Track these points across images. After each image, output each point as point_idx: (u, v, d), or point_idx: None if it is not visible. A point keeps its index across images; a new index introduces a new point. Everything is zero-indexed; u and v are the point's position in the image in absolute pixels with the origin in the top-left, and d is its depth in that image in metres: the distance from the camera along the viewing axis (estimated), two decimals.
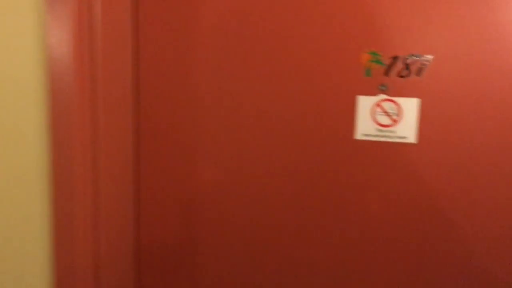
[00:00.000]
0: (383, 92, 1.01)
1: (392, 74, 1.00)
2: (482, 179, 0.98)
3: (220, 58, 1.10)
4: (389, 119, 1.01)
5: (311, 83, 1.05)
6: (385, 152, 1.03)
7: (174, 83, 1.13)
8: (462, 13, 0.95)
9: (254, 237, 1.15)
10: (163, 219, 1.20)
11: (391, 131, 1.01)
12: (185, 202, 1.18)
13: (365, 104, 1.02)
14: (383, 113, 1.01)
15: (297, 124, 1.07)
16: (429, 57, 0.97)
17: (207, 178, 1.16)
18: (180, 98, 1.14)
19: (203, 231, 1.18)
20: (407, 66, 0.99)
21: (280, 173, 1.10)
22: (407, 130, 1.00)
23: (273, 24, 1.05)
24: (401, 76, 0.99)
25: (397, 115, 1.01)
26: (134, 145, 1.17)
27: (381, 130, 1.02)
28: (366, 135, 1.03)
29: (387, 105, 1.01)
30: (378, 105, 1.01)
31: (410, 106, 0.99)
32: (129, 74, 1.12)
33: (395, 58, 0.99)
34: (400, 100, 1.00)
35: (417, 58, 0.98)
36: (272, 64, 1.06)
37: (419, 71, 0.98)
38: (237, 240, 1.16)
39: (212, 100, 1.12)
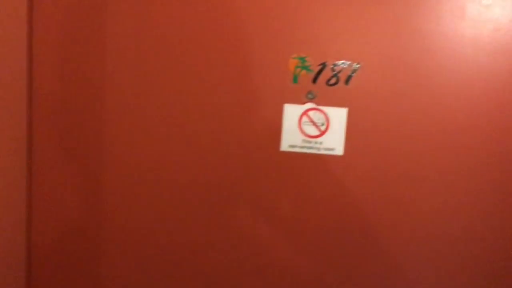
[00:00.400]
0: (311, 100, 0.94)
1: (320, 82, 0.93)
2: (410, 190, 0.96)
3: (130, 64, 0.97)
4: (316, 129, 0.95)
5: (234, 89, 0.95)
6: (312, 164, 0.96)
7: (72, 85, 0.98)
8: (391, 21, 0.91)
9: (165, 249, 1.03)
10: (57, 222, 1.04)
11: (318, 142, 0.95)
12: (83, 206, 1.03)
13: (292, 113, 0.95)
14: (311, 123, 0.95)
15: (218, 132, 0.97)
16: (358, 65, 0.92)
17: (110, 183, 1.02)
18: (80, 98, 0.99)
19: (104, 233, 1.04)
20: (335, 74, 0.93)
21: (198, 185, 1.00)
22: (334, 141, 0.95)
23: (192, 27, 0.94)
24: (330, 84, 0.93)
25: (325, 125, 0.95)
26: (28, 147, 1.00)
27: (308, 141, 0.95)
28: (293, 146, 0.96)
29: (315, 115, 0.94)
30: (305, 114, 0.95)
31: (337, 116, 0.94)
32: (24, 75, 0.96)
33: (323, 65, 0.93)
34: (328, 110, 0.94)
35: (345, 66, 0.92)
36: (191, 69, 0.95)
37: (347, 79, 0.93)
38: (142, 250, 1.04)
39: (116, 104, 0.98)
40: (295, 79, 0.94)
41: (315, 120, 0.94)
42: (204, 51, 0.94)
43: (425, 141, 0.94)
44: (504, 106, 0.92)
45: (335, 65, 0.93)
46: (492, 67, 0.91)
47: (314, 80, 0.93)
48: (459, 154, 0.93)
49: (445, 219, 0.96)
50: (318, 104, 0.94)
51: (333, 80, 0.93)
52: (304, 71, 0.93)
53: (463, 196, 0.95)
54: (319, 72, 0.93)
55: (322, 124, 0.95)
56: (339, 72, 0.93)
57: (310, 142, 0.95)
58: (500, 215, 0.94)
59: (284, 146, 0.96)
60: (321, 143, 0.95)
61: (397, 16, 0.91)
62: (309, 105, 0.94)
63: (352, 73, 0.93)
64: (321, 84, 0.93)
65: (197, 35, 0.94)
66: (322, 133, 0.95)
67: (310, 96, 0.94)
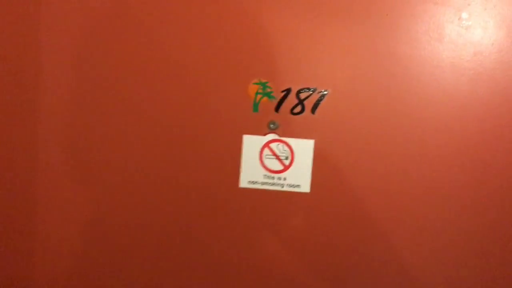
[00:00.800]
0: (273, 131, 0.83)
1: (284, 110, 0.83)
2: (387, 230, 0.86)
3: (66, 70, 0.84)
4: (279, 163, 0.84)
5: (186, 117, 0.84)
6: (275, 203, 0.85)
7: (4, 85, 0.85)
8: (363, 44, 0.81)
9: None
10: None
11: (281, 178, 0.84)
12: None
13: (252, 145, 0.84)
14: (273, 157, 0.84)
15: (167, 166, 0.85)
16: (325, 91, 0.82)
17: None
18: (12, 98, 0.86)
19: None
20: (300, 101, 0.82)
21: (143, 229, 0.88)
22: (300, 177, 0.84)
23: (143, 43, 0.82)
24: (294, 113, 0.83)
25: (289, 159, 0.84)
26: None
27: (270, 177, 0.84)
28: (253, 182, 0.85)
29: (278, 147, 0.84)
30: (267, 146, 0.84)
31: (303, 149, 0.83)
32: None
33: (287, 91, 0.82)
34: (292, 142, 0.83)
35: (312, 92, 0.82)
36: (140, 94, 0.84)
37: (314, 107, 0.82)
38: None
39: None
40: (255, 107, 0.83)
41: (278, 153, 0.84)
42: (151, 70, 0.83)
43: (402, 175, 0.84)
44: (485, 133, 0.83)
45: (300, 91, 0.82)
46: (473, 93, 0.82)
47: (277, 108, 0.83)
48: (439, 188, 0.84)
49: (422, 263, 0.86)
50: (281, 135, 0.83)
51: (298, 108, 0.83)
52: (265, 98, 0.82)
53: (438, 241, 0.86)
54: (282, 100, 0.82)
55: (286, 158, 0.84)
56: (304, 99, 0.82)
57: (272, 178, 0.84)
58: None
59: (243, 182, 0.85)
60: (285, 179, 0.84)
61: (369, 38, 0.81)
62: (271, 136, 0.83)
63: (319, 100, 0.82)
64: (285, 113, 0.83)
65: (144, 52, 0.82)
66: (286, 167, 0.84)
67: (272, 126, 0.83)
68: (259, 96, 0.82)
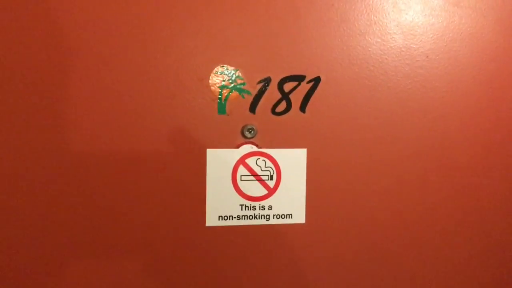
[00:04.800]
0: (250, 140, 0.58)
1: (263, 110, 0.58)
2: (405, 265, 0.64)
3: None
4: (261, 186, 0.59)
5: (120, 127, 0.55)
6: (258, 243, 0.59)
7: None
8: (360, 13, 0.59)
9: None
10: None
11: (266, 207, 0.59)
12: None
13: (220, 163, 0.57)
14: (252, 177, 0.58)
15: (102, 201, 0.55)
16: (317, 80, 0.58)
17: None
18: None
19: None
20: (285, 95, 0.58)
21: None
22: (290, 203, 0.59)
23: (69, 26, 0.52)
24: (277, 113, 0.58)
25: (274, 178, 0.59)
26: None
27: (249, 207, 0.58)
28: (225, 217, 0.58)
29: (257, 163, 0.58)
30: (242, 163, 0.58)
31: (293, 162, 0.59)
32: None
33: (265, 83, 0.57)
34: (277, 154, 0.58)
35: (299, 82, 0.58)
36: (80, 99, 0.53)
37: (303, 103, 0.58)
38: None
39: None
40: (221, 107, 0.56)
41: (259, 171, 0.58)
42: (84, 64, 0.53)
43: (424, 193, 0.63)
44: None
45: (283, 81, 0.58)
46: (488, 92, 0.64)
47: (253, 107, 0.57)
48: (451, 210, 0.65)
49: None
50: (261, 145, 0.58)
51: (282, 106, 0.58)
52: (235, 94, 0.57)
53: (433, 262, 0.66)
54: (259, 95, 0.57)
55: (270, 177, 0.59)
56: (290, 92, 0.58)
57: (253, 207, 0.58)
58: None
59: (212, 219, 0.58)
60: (270, 207, 0.59)
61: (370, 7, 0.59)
62: (247, 148, 0.58)
63: (310, 92, 0.58)
64: (264, 113, 0.58)
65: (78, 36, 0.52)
66: (271, 191, 0.59)
67: (247, 133, 0.57)
68: (225, 91, 0.56)
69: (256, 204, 0.58)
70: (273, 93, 0.58)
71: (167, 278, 0.57)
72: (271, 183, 0.59)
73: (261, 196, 0.58)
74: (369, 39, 0.60)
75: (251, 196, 0.58)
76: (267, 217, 0.59)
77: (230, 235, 0.58)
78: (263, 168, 0.58)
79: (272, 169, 0.58)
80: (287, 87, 0.58)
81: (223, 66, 0.56)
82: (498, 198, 0.66)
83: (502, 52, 0.63)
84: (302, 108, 0.59)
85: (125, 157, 0.55)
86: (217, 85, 0.56)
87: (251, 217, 0.58)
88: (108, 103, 0.54)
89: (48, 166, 0.53)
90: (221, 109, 0.56)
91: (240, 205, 0.58)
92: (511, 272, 0.68)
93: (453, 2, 0.62)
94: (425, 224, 0.64)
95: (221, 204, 0.57)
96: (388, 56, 0.60)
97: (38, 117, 0.52)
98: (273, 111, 0.58)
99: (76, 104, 0.53)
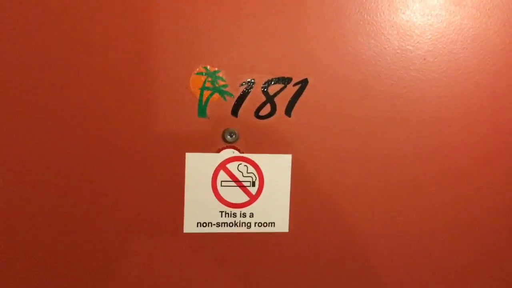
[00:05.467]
0: (231, 145, 0.55)
1: (246, 113, 0.55)
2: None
3: None
4: (243, 193, 0.56)
5: (98, 126, 0.53)
6: (239, 252, 0.57)
7: None
8: (351, 10, 0.55)
9: None
10: None
11: (247, 215, 0.57)
12: None
13: (199, 167, 0.55)
14: (233, 183, 0.56)
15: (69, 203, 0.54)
16: (304, 82, 0.55)
17: None
18: None
19: None
20: (269, 98, 0.55)
21: None
22: (273, 211, 0.57)
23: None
24: (261, 116, 0.55)
25: (256, 185, 0.56)
26: None
27: (230, 214, 0.56)
28: (204, 224, 0.56)
29: (239, 169, 0.56)
30: (222, 168, 0.56)
31: (277, 168, 0.56)
32: None
33: (248, 85, 0.55)
34: (260, 159, 0.56)
35: (285, 84, 0.55)
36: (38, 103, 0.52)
37: (289, 107, 0.56)
38: None
39: None
40: (202, 110, 0.54)
41: (240, 177, 0.56)
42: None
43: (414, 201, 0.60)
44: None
45: (268, 83, 0.55)
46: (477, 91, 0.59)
47: (235, 110, 0.55)
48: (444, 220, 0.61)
49: None
50: (243, 150, 0.56)
51: (266, 109, 0.55)
52: (216, 96, 0.54)
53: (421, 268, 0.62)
54: (242, 97, 0.55)
55: (252, 184, 0.56)
56: (275, 95, 0.55)
57: (234, 215, 0.56)
58: None
59: (190, 225, 0.56)
60: (252, 215, 0.57)
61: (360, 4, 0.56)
62: (228, 153, 0.55)
63: (297, 96, 0.56)
64: (247, 117, 0.55)
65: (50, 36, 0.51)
66: (253, 198, 0.56)
67: (229, 137, 0.55)
68: (206, 93, 0.54)
69: (237, 211, 0.56)
70: (257, 96, 0.55)
71: (143, 285, 0.56)
72: (253, 190, 0.56)
73: (242, 203, 0.56)
74: (362, 40, 0.56)
75: (232, 203, 0.56)
76: (248, 225, 0.57)
77: (209, 243, 0.56)
78: (245, 174, 0.56)
79: (254, 175, 0.56)
80: (272, 89, 0.55)
81: (204, 67, 0.54)
82: (495, 206, 0.61)
83: (508, 55, 0.59)
84: (288, 112, 0.56)
85: (100, 160, 0.53)
86: (198, 86, 0.54)
87: (231, 224, 0.56)
88: (79, 103, 0.52)
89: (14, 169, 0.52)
90: (202, 112, 0.54)
91: (220, 211, 0.56)
92: (507, 278, 0.64)
93: (455, 1, 0.57)
94: (417, 233, 0.60)
95: (200, 210, 0.55)
96: (381, 58, 0.57)
97: None
98: (257, 114, 0.55)
99: (42, 106, 0.51)
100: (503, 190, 0.61)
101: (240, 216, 0.56)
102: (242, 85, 0.54)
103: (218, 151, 0.55)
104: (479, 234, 0.62)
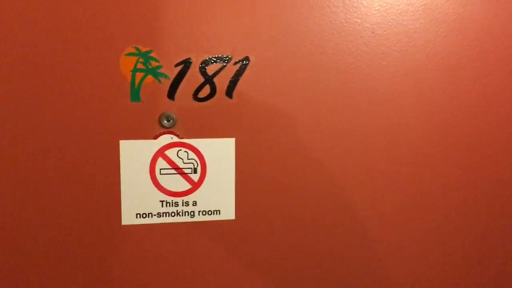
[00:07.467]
0: (169, 130, 0.52)
1: (183, 95, 0.51)
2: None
3: None
4: (184, 180, 0.53)
5: (25, 116, 0.49)
6: (182, 243, 0.54)
7: None
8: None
9: None
10: None
11: (190, 203, 0.54)
12: None
13: (135, 155, 0.51)
14: (173, 170, 0.53)
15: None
16: (246, 61, 0.52)
17: None
18: None
19: None
20: (208, 79, 0.52)
21: None
22: (218, 197, 0.54)
23: None
24: (200, 98, 0.52)
25: (198, 171, 0.53)
26: None
27: (171, 203, 0.53)
28: (144, 215, 0.53)
29: (179, 155, 0.53)
30: (161, 155, 0.52)
31: (220, 153, 0.53)
32: None
33: (184, 65, 0.51)
34: (201, 144, 0.53)
35: (225, 64, 0.51)
36: None
37: (230, 88, 0.52)
38: None
39: None
40: (134, 93, 0.50)
41: (181, 164, 0.53)
42: None
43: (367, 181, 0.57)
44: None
45: (206, 63, 0.51)
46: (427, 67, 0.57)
47: (171, 93, 0.51)
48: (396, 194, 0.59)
49: None
50: (182, 135, 0.52)
51: (205, 91, 0.52)
52: (150, 78, 0.50)
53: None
54: (178, 79, 0.51)
55: (194, 171, 0.53)
56: (214, 75, 0.52)
57: (176, 204, 0.53)
58: None
59: (128, 217, 0.52)
60: (195, 203, 0.54)
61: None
62: (166, 138, 0.52)
63: (238, 75, 0.52)
64: (185, 99, 0.52)
65: None
66: (196, 185, 0.53)
67: (166, 122, 0.51)
68: (139, 75, 0.50)
69: (179, 199, 0.53)
70: (194, 77, 0.51)
71: (81, 281, 0.53)
72: (195, 177, 0.53)
73: (184, 191, 0.53)
74: (306, 13, 0.53)
75: (173, 192, 0.53)
76: (192, 213, 0.54)
77: (150, 234, 0.53)
78: (186, 161, 0.53)
79: (195, 161, 0.53)
80: (211, 69, 0.51)
81: (135, 47, 0.50)
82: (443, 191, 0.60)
83: (460, 24, 0.56)
84: (229, 93, 0.52)
85: (28, 151, 0.49)
86: (129, 68, 0.50)
87: (173, 214, 0.53)
88: (3, 90, 0.48)
89: None
90: (135, 96, 0.50)
91: (160, 201, 0.53)
92: (504, 274, 0.62)
93: None
94: (367, 222, 0.58)
95: (139, 201, 0.52)
96: (327, 32, 0.53)
97: None
98: (195, 96, 0.52)
99: None
100: (457, 162, 0.59)
101: (183, 205, 0.53)
102: (177, 65, 0.51)
103: (155, 137, 0.52)
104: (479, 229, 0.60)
